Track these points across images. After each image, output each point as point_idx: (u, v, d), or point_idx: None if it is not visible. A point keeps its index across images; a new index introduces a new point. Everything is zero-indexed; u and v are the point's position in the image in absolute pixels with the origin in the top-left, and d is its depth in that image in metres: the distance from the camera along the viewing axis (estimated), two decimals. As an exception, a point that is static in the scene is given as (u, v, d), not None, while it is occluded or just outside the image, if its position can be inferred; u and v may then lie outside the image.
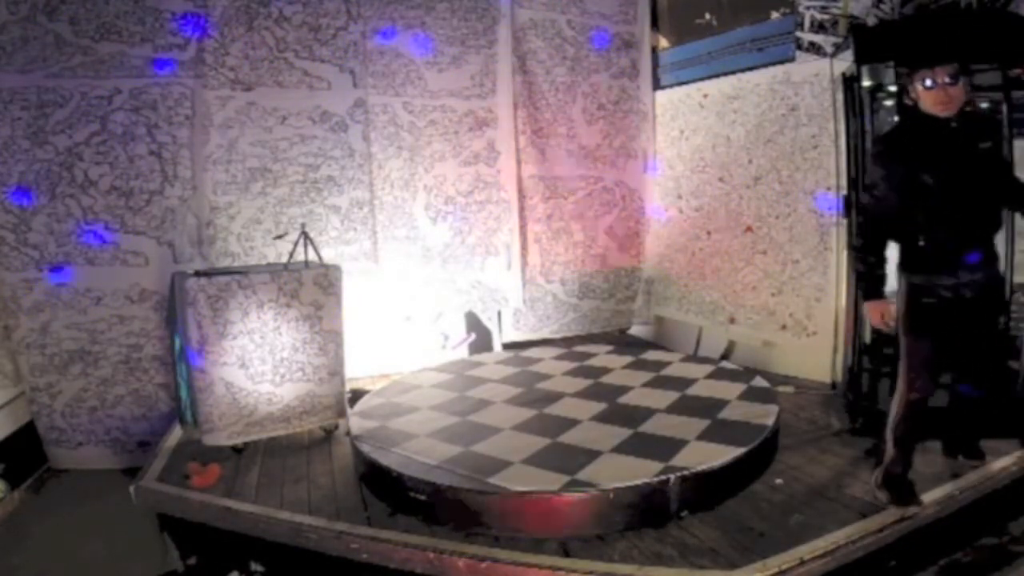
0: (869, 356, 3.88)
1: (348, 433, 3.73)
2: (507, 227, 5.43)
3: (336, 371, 3.95)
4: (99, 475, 4.29)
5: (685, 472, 2.92)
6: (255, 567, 3.16)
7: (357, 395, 4.40)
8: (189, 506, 3.30)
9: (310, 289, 3.83)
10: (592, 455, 3.15)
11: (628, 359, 4.84)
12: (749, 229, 5.03)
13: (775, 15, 4.74)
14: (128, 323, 4.41)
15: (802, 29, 4.47)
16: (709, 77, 5.26)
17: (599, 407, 3.83)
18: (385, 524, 2.96)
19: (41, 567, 3.38)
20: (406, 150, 5.11)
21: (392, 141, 5.07)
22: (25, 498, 4.08)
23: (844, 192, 4.26)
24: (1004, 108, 3.46)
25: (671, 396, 3.95)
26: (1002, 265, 3.21)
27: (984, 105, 3.57)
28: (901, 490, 2.85)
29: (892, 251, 2.85)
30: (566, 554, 2.68)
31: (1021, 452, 3.22)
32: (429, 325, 5.40)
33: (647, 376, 4.38)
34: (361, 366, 4.81)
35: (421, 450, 3.31)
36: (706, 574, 2.49)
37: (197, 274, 3.72)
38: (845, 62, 4.10)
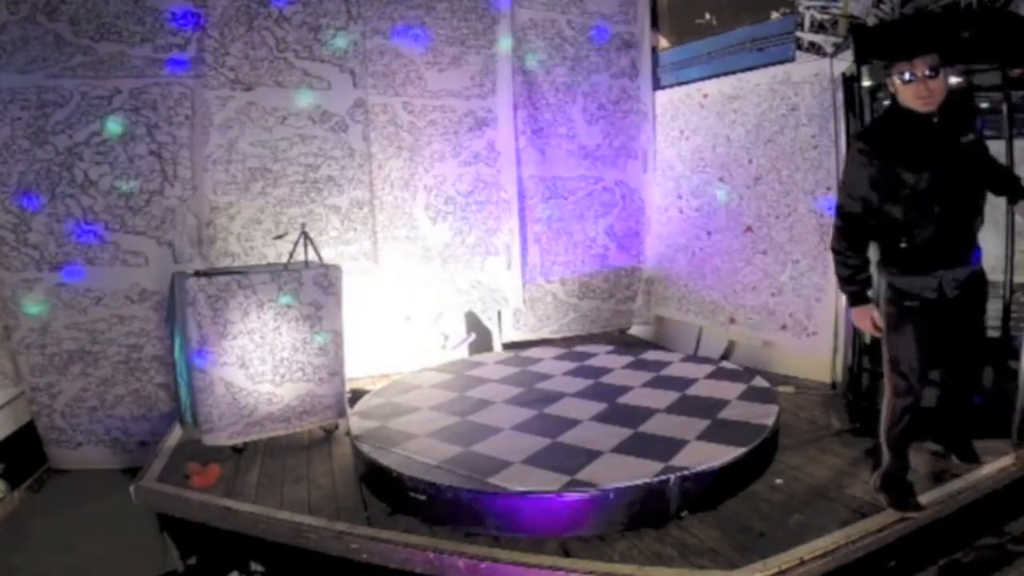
0: (869, 356, 3.89)
1: (348, 433, 3.73)
2: (507, 227, 5.43)
3: (336, 371, 3.95)
4: (99, 475, 4.29)
5: (685, 472, 2.92)
6: (255, 567, 3.16)
7: (357, 395, 4.40)
8: (189, 506, 3.30)
9: (310, 289, 3.83)
10: (592, 455, 3.15)
11: (628, 359, 4.84)
12: (749, 229, 5.03)
13: (775, 15, 4.74)
14: (128, 323, 4.41)
15: (802, 29, 4.48)
16: (709, 77, 5.27)
17: (599, 407, 3.83)
18: (385, 524, 2.96)
19: (41, 567, 3.38)
20: (406, 150, 5.11)
21: (392, 141, 5.07)
22: (25, 498, 4.08)
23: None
24: (1004, 108, 3.47)
25: (671, 396, 3.95)
26: (1000, 265, 3.23)
27: (984, 105, 3.58)
28: (900, 493, 2.83)
29: (872, 251, 2.79)
30: (566, 554, 2.68)
31: (1019, 452, 3.21)
32: (429, 325, 5.40)
33: (647, 376, 4.38)
34: (361, 366, 4.81)
35: (421, 450, 3.31)
36: (706, 574, 2.49)
37: (197, 274, 3.72)
38: (845, 62, 4.10)
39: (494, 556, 2.66)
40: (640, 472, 2.93)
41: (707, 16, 5.40)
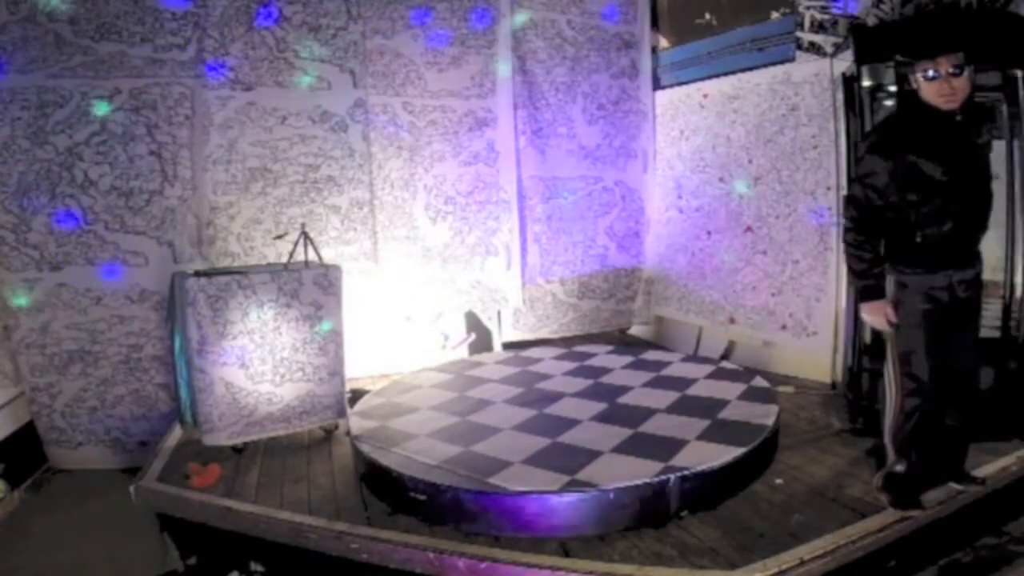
0: (869, 356, 3.88)
1: (348, 433, 3.73)
2: (507, 227, 5.43)
3: (336, 371, 3.95)
4: (99, 475, 4.29)
5: (685, 472, 2.92)
6: (255, 567, 3.16)
7: (357, 395, 4.39)
8: (189, 506, 3.30)
9: (310, 289, 3.83)
10: (592, 455, 3.14)
11: (628, 359, 4.84)
12: (749, 229, 5.03)
13: (775, 15, 4.74)
14: (128, 323, 4.41)
15: (802, 29, 4.47)
16: (709, 77, 5.26)
17: (599, 407, 3.83)
18: (385, 524, 2.96)
19: (41, 567, 3.38)
20: (406, 150, 5.11)
21: (392, 141, 5.07)
22: (25, 498, 4.08)
23: (844, 192, 4.26)
24: (1004, 108, 3.47)
25: (671, 396, 3.95)
26: (1001, 265, 3.22)
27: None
28: (903, 493, 2.82)
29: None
30: (566, 554, 2.68)
31: (1021, 452, 3.21)
32: (429, 325, 5.40)
33: (647, 376, 4.38)
34: (361, 366, 4.81)
35: (421, 450, 3.31)
36: (706, 574, 2.49)
37: (197, 274, 3.72)
38: (845, 62, 4.10)
39: (494, 556, 2.66)
40: (640, 472, 2.93)
41: (707, 16, 5.40)
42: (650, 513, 2.85)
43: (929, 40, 2.64)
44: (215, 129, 4.57)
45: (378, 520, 3.00)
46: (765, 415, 3.54)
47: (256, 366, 3.73)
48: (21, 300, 4.21)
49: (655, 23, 5.80)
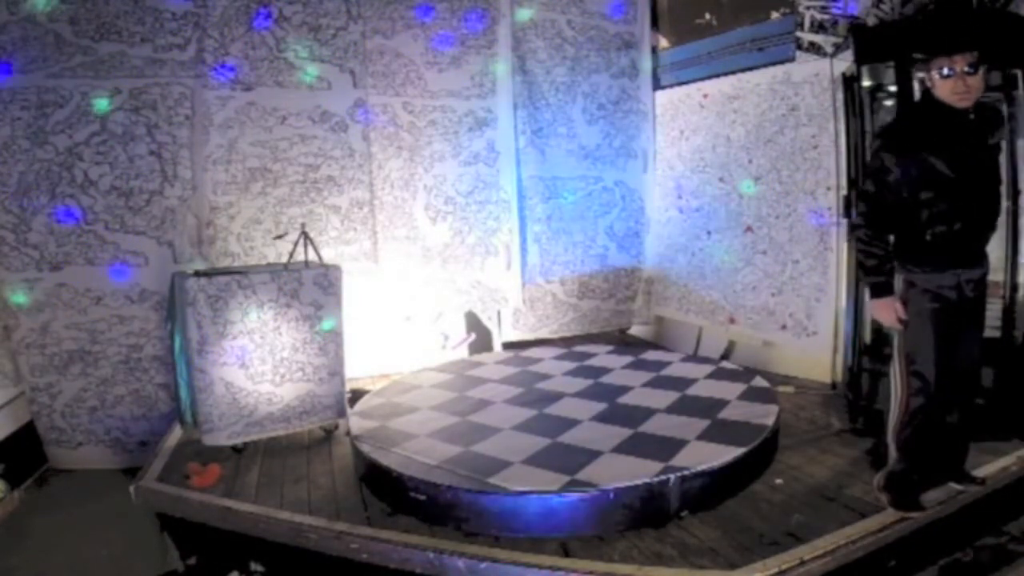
0: (869, 356, 3.89)
1: (348, 433, 3.73)
2: (507, 227, 5.43)
3: (336, 371, 3.95)
4: (99, 475, 4.29)
5: (685, 472, 2.92)
6: (255, 567, 3.16)
7: (357, 395, 4.40)
8: (189, 506, 3.30)
9: (310, 289, 3.83)
10: (592, 455, 3.15)
11: (628, 359, 4.84)
12: (749, 229, 5.03)
13: (775, 15, 4.74)
14: (128, 323, 4.41)
15: (802, 29, 4.47)
16: (709, 77, 5.26)
17: (599, 407, 3.83)
18: (385, 524, 2.96)
19: (41, 567, 3.38)
20: (406, 150, 5.11)
21: (392, 141, 5.07)
22: (25, 498, 4.07)
23: (844, 192, 4.26)
24: (1004, 108, 3.46)
25: (671, 396, 3.95)
26: (1001, 265, 3.21)
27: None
28: (904, 494, 2.82)
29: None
30: (566, 554, 2.68)
31: (1021, 452, 3.21)
32: (429, 325, 5.40)
33: (647, 376, 4.38)
34: (361, 366, 4.81)
35: (421, 450, 3.31)
36: (706, 574, 2.49)
37: (197, 274, 3.72)
38: (845, 62, 4.10)
39: (494, 556, 2.66)
40: (640, 472, 2.93)
41: (707, 16, 5.40)
42: (650, 513, 2.85)
43: (947, 38, 2.64)
44: (215, 129, 4.57)
45: (378, 520, 3.00)
46: (765, 415, 3.54)
47: (256, 366, 3.73)
48: (20, 298, 4.21)
49: (655, 23, 5.80)
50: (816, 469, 3.31)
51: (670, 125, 5.68)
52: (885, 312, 2.77)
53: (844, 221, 4.27)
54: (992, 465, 3.13)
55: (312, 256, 4.03)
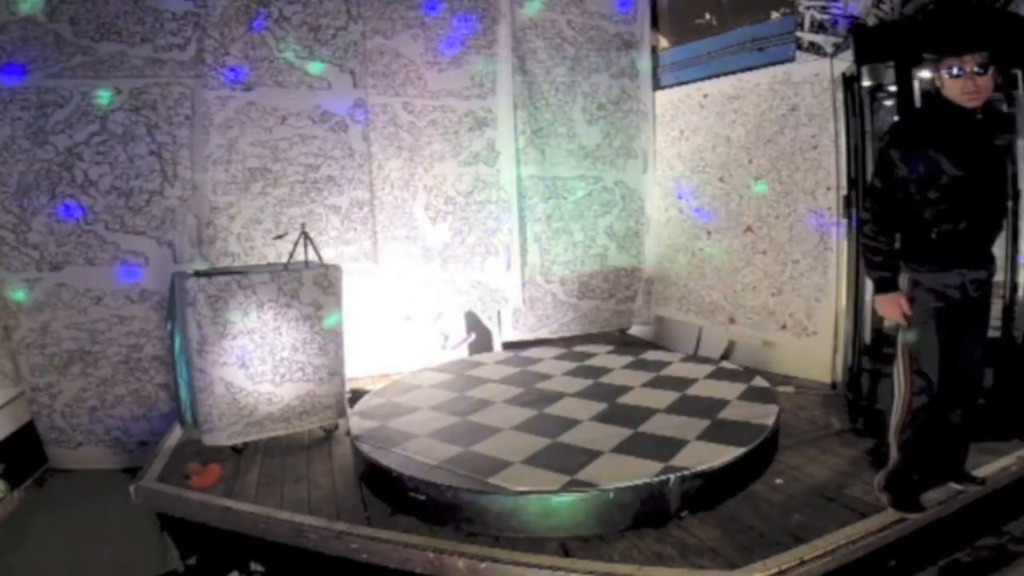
0: (869, 356, 3.89)
1: (348, 433, 3.73)
2: (506, 227, 5.43)
3: (336, 371, 3.95)
4: (99, 475, 4.29)
5: (685, 472, 2.92)
6: (255, 567, 3.16)
7: (357, 395, 4.40)
8: (189, 506, 3.30)
9: (310, 289, 3.83)
10: (592, 455, 3.14)
11: (628, 359, 4.84)
12: (749, 229, 5.03)
13: (775, 15, 4.74)
14: (128, 323, 4.41)
15: (802, 29, 4.47)
16: (709, 77, 5.26)
17: (599, 407, 3.83)
18: (385, 524, 2.96)
19: (41, 567, 3.38)
20: (406, 150, 5.11)
21: (392, 141, 5.07)
22: (25, 498, 4.07)
23: (844, 192, 4.26)
24: (1004, 108, 3.47)
25: (671, 396, 3.95)
26: (1001, 265, 3.20)
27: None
28: (904, 494, 2.82)
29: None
30: (566, 554, 2.68)
31: (1021, 452, 3.21)
32: (429, 325, 5.40)
33: (647, 376, 4.38)
34: (361, 366, 4.81)
35: (421, 450, 3.31)
36: (706, 574, 2.49)
37: (197, 274, 3.72)
38: (845, 62, 4.10)
39: (494, 556, 2.66)
40: (640, 472, 2.93)
41: (707, 16, 5.40)
42: (650, 513, 2.85)
43: (958, 38, 2.64)
44: (215, 129, 4.57)
45: (378, 520, 3.00)
46: (765, 415, 3.54)
47: (256, 366, 3.72)
48: (20, 295, 4.21)
49: (655, 23, 5.79)
50: (816, 469, 3.31)
51: (670, 125, 5.68)
52: (889, 307, 2.77)
53: (844, 221, 4.28)
54: (992, 465, 3.13)
55: (312, 256, 4.03)
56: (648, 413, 3.68)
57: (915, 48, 3.29)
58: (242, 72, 4.55)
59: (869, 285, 3.47)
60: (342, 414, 4.00)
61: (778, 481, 3.19)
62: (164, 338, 4.30)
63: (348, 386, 4.17)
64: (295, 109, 4.76)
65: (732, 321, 5.23)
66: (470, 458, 3.19)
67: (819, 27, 4.39)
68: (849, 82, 3.97)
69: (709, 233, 5.38)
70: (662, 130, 5.76)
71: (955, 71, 2.57)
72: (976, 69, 2.55)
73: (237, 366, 3.68)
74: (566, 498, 2.82)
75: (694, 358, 5.02)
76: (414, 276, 5.21)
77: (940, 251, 2.67)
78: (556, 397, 4.04)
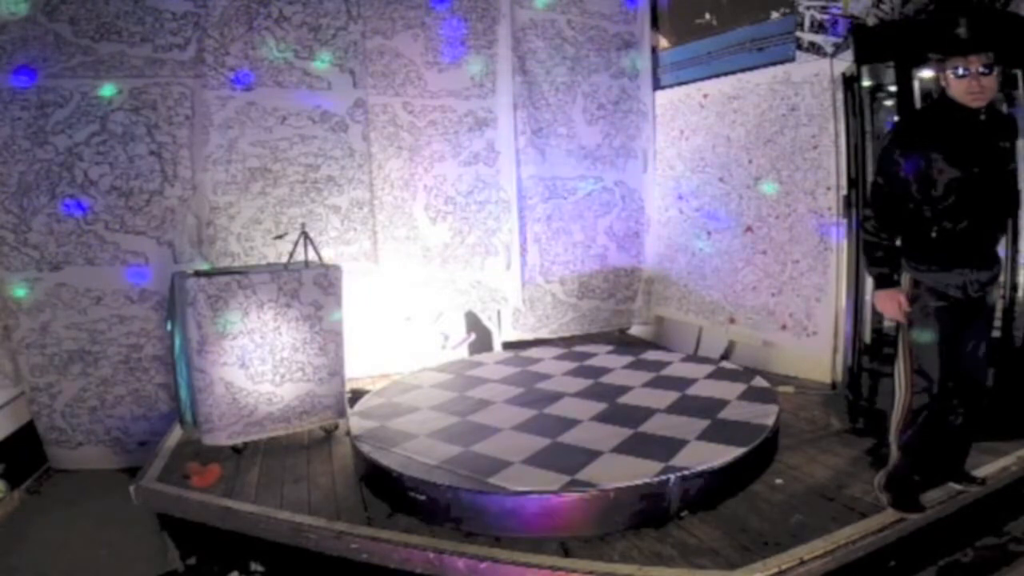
0: (869, 356, 3.88)
1: (348, 433, 3.73)
2: (506, 227, 5.43)
3: (336, 371, 3.95)
4: (99, 475, 4.29)
5: (685, 472, 2.92)
6: (255, 567, 3.16)
7: (357, 395, 4.40)
8: (189, 506, 3.30)
9: (310, 289, 3.83)
10: (592, 455, 3.15)
11: (628, 359, 4.84)
12: (749, 229, 5.03)
13: (775, 15, 4.74)
14: (128, 323, 4.41)
15: (802, 29, 4.47)
16: (709, 77, 5.27)
17: (599, 407, 3.83)
18: (385, 524, 2.96)
19: (41, 567, 3.38)
20: (406, 150, 5.11)
21: (392, 141, 5.07)
22: (25, 498, 4.08)
23: (844, 192, 4.26)
24: (1004, 108, 3.46)
25: (671, 396, 3.95)
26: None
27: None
28: (904, 494, 2.82)
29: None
30: (566, 554, 2.68)
31: (1021, 452, 3.21)
32: (429, 325, 5.40)
33: (647, 376, 4.38)
34: (361, 366, 4.81)
35: (421, 450, 3.31)
36: (706, 574, 2.49)
37: (197, 274, 3.72)
38: (845, 62, 4.10)
39: (494, 556, 2.66)
40: (640, 472, 2.93)
41: (707, 16, 5.40)
42: (650, 513, 2.85)
43: (964, 39, 2.65)
44: (215, 129, 4.57)
45: (378, 520, 3.00)
46: (765, 415, 3.54)
47: (256, 366, 3.72)
48: (21, 292, 4.20)
49: (655, 23, 5.80)
50: (816, 469, 3.31)
51: (670, 125, 5.68)
52: (889, 304, 2.78)
53: (844, 221, 4.28)
54: (992, 465, 3.13)
55: (312, 256, 4.03)
56: (648, 413, 3.68)
57: (920, 48, 3.29)
58: (242, 72, 4.55)
59: (869, 285, 3.48)
60: (342, 414, 4.00)
61: (778, 481, 3.19)
62: (164, 338, 4.30)
63: (348, 386, 4.16)
64: (295, 109, 4.76)
65: (732, 321, 5.23)
66: (470, 458, 3.19)
67: (819, 27, 4.39)
68: (849, 82, 3.97)
69: (709, 233, 5.38)
70: (662, 130, 5.76)
71: (960, 71, 2.58)
72: (981, 70, 2.56)
73: (237, 366, 3.68)
74: (566, 498, 2.82)
75: (694, 358, 5.02)
76: (414, 276, 5.21)
77: (941, 250, 2.67)
78: (556, 397, 4.04)
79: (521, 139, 5.45)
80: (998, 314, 3.48)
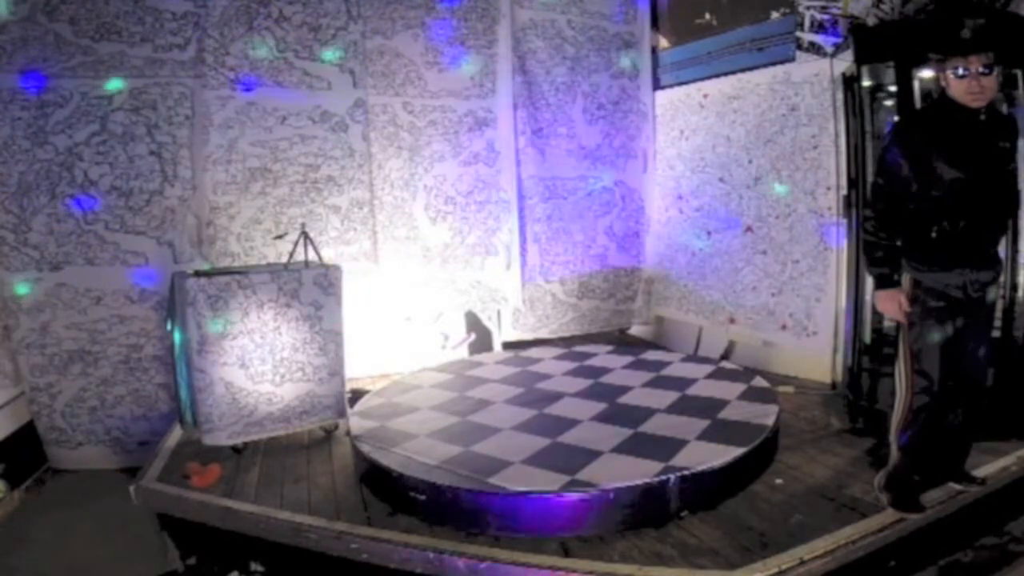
0: (869, 356, 3.88)
1: (348, 433, 3.73)
2: (507, 227, 5.43)
3: (336, 371, 3.95)
4: (99, 475, 4.29)
5: (685, 472, 2.92)
6: (255, 567, 3.16)
7: (357, 395, 4.40)
8: (189, 506, 3.30)
9: (310, 289, 3.83)
10: (592, 455, 3.15)
11: (628, 359, 4.84)
12: (749, 229, 5.03)
13: (775, 15, 4.74)
14: (128, 323, 4.41)
15: (802, 29, 4.47)
16: (709, 77, 5.27)
17: (599, 407, 3.83)
18: (385, 524, 2.96)
19: (41, 567, 3.38)
20: (406, 150, 5.11)
21: (392, 141, 5.07)
22: (25, 498, 4.07)
23: (844, 192, 4.26)
24: (1004, 108, 3.46)
25: (671, 396, 3.95)
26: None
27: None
28: (904, 494, 2.82)
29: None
30: (566, 554, 2.68)
31: (1021, 452, 3.21)
32: (429, 325, 5.40)
33: (647, 376, 4.38)
34: (361, 366, 4.81)
35: (421, 450, 3.31)
36: (706, 574, 2.49)
37: (197, 274, 3.72)
38: (845, 62, 4.10)
39: (494, 556, 2.66)
40: (640, 472, 2.93)
41: (707, 16, 5.40)
42: (650, 513, 2.85)
43: (964, 39, 2.65)
44: (215, 129, 4.57)
45: (378, 520, 3.00)
46: (765, 415, 3.54)
47: (256, 366, 3.72)
48: (22, 290, 4.20)
49: (655, 23, 5.80)
50: (816, 469, 3.31)
51: (670, 125, 5.68)
52: (889, 304, 2.78)
53: (844, 221, 4.27)
54: (992, 465, 3.13)
55: (312, 256, 4.03)
56: (648, 413, 3.68)
57: (920, 48, 3.29)
58: (242, 72, 4.55)
59: (869, 285, 3.48)
60: (342, 414, 4.00)
61: (778, 481, 3.20)
62: (164, 338, 4.30)
63: (348, 386, 4.16)
64: (295, 109, 4.76)
65: (732, 321, 5.23)
66: (470, 458, 3.19)
67: (819, 27, 4.39)
68: (849, 82, 3.97)
69: (709, 233, 5.38)
70: (662, 130, 5.76)
71: (960, 71, 2.58)
72: (981, 70, 2.56)
73: (237, 366, 3.67)
74: (566, 498, 2.82)
75: (694, 358, 5.02)
76: (414, 276, 5.21)
77: (940, 250, 2.67)
78: (556, 397, 4.04)
79: (521, 139, 5.45)
80: (998, 314, 3.49)
